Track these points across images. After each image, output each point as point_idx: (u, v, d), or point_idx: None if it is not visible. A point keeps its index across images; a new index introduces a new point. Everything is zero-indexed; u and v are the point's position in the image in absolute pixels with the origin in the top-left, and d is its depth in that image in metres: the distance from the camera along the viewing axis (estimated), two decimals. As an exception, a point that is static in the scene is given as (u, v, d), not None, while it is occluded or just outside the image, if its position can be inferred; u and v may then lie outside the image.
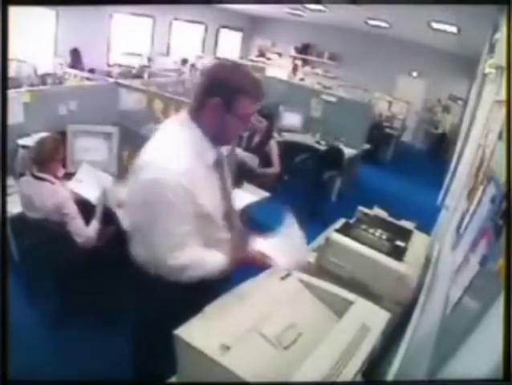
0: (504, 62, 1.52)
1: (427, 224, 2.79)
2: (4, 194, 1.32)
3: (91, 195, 2.37)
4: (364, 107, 5.42)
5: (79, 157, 2.81)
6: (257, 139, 3.70)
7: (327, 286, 1.41)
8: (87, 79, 4.12)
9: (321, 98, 5.22)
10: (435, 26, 6.06)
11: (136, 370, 1.73)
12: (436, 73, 8.49)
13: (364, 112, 5.07)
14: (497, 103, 2.23)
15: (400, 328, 1.53)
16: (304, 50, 10.36)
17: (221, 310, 1.19)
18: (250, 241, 1.41)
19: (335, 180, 4.69)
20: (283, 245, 1.42)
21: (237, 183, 3.07)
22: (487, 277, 0.97)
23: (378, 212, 2.40)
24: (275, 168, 3.52)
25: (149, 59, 7.90)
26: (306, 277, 1.45)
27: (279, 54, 10.63)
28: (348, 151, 4.73)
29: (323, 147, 4.77)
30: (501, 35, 3.20)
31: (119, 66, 7.05)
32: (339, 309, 1.31)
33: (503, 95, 1.79)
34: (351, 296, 1.35)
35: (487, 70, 4.10)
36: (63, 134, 2.76)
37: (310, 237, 2.37)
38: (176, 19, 9.04)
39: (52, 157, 2.19)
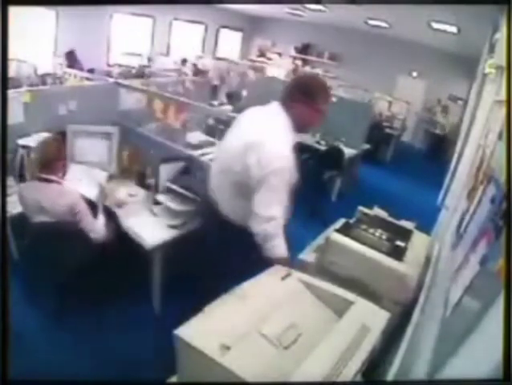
0: (504, 62, 1.52)
1: (427, 224, 2.79)
2: (4, 194, 1.32)
3: (90, 193, 2.38)
4: (364, 107, 5.42)
5: (79, 157, 2.81)
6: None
7: (327, 286, 1.41)
8: (87, 79, 4.12)
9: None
10: (435, 26, 6.06)
11: None
12: (436, 73, 8.49)
13: (364, 112, 5.07)
14: (497, 103, 2.23)
15: (400, 328, 1.53)
16: (304, 50, 10.36)
17: (221, 310, 1.19)
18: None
19: (335, 180, 4.68)
20: None
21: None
22: (487, 277, 0.97)
23: (378, 212, 2.40)
24: None
25: (149, 59, 7.90)
26: (306, 278, 1.45)
27: (279, 54, 10.64)
28: (348, 151, 4.73)
29: (323, 148, 4.77)
30: (501, 35, 3.20)
31: (119, 66, 7.05)
32: (339, 309, 1.31)
33: (503, 95, 1.79)
34: (351, 296, 1.36)
35: (487, 70, 4.10)
36: (63, 134, 2.76)
37: (310, 237, 2.38)
38: (176, 19, 9.04)
39: (56, 158, 2.19)
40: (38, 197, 2.14)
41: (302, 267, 1.80)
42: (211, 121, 4.64)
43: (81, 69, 5.17)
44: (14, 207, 2.24)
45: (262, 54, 10.93)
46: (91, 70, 5.81)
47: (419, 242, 2.11)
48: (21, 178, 2.58)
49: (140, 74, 6.29)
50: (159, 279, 2.46)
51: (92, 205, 2.31)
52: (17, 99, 2.69)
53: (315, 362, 1.03)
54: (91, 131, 2.88)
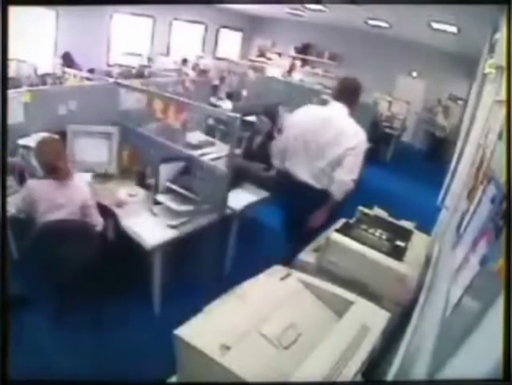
0: (504, 62, 1.52)
1: (427, 224, 2.80)
2: (4, 194, 1.32)
3: None
4: (364, 107, 5.41)
5: (79, 157, 2.81)
6: (258, 140, 3.69)
7: (327, 286, 1.41)
8: (87, 79, 4.12)
9: (321, 98, 5.22)
10: (435, 26, 6.05)
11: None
12: (436, 73, 8.49)
13: (364, 112, 5.06)
14: (497, 103, 2.23)
15: (400, 328, 1.53)
16: (304, 50, 10.35)
17: (221, 310, 1.19)
18: None
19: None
20: None
21: (237, 183, 3.07)
22: (487, 277, 0.97)
23: (378, 212, 2.41)
24: (272, 170, 3.51)
25: (149, 59, 7.90)
26: (306, 277, 1.45)
27: (279, 54, 10.63)
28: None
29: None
30: (501, 35, 3.20)
31: (119, 66, 7.04)
32: (339, 309, 1.31)
33: (503, 95, 1.79)
34: (351, 296, 1.36)
35: (487, 70, 4.10)
36: (63, 134, 2.76)
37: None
38: (176, 19, 9.03)
39: (66, 156, 2.25)
40: (54, 195, 2.17)
41: (302, 267, 1.81)
42: (211, 121, 4.64)
43: (78, 70, 5.16)
44: (14, 207, 2.24)
45: (261, 54, 10.92)
46: (91, 70, 5.80)
47: (419, 242, 2.11)
48: (21, 178, 2.58)
49: (140, 74, 6.28)
50: (159, 279, 2.46)
51: None
52: (17, 99, 2.68)
53: (315, 362, 1.03)
54: (91, 131, 2.88)
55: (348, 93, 2.39)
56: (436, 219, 3.79)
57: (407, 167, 7.09)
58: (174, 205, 2.51)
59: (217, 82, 6.08)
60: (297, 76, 9.06)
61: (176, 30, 9.16)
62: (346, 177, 2.26)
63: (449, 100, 8.59)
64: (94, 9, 7.05)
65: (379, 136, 6.79)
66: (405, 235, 2.10)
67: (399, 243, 1.97)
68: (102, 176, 2.91)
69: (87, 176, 2.77)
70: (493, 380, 0.74)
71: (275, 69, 8.80)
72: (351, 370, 1.03)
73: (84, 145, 2.84)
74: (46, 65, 5.42)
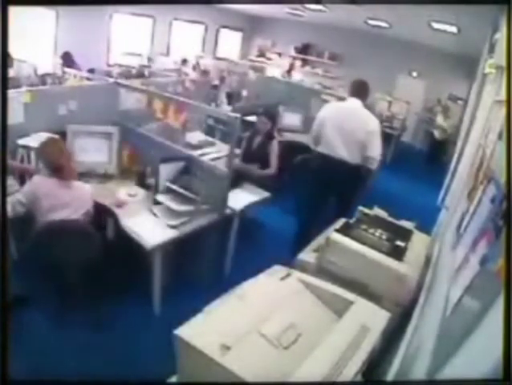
0: (504, 62, 1.52)
1: (427, 224, 2.80)
2: (4, 194, 1.32)
3: None
4: (365, 106, 5.41)
5: (79, 157, 2.81)
6: (258, 139, 3.69)
7: (327, 286, 1.41)
8: (87, 79, 4.11)
9: (321, 98, 5.22)
10: (435, 26, 6.05)
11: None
12: (436, 73, 8.49)
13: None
14: (497, 103, 2.23)
15: (400, 328, 1.53)
16: (304, 50, 10.35)
17: (221, 310, 1.19)
18: None
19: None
20: None
21: (237, 183, 3.08)
22: (487, 277, 0.97)
23: (378, 212, 2.41)
24: (270, 170, 3.51)
25: (149, 59, 7.89)
26: (306, 277, 1.45)
27: (279, 54, 10.62)
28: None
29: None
30: (501, 35, 3.20)
31: (120, 66, 7.03)
32: (339, 309, 1.31)
33: (503, 95, 1.79)
34: (351, 296, 1.36)
35: (487, 70, 4.09)
36: (63, 134, 2.76)
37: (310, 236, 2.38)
38: (176, 19, 9.03)
39: (69, 156, 2.29)
40: (58, 193, 2.18)
41: (302, 267, 1.81)
42: (211, 121, 4.64)
43: (78, 69, 5.15)
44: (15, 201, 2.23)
45: (261, 54, 10.92)
46: (91, 70, 5.80)
47: (419, 242, 2.11)
48: (21, 178, 2.58)
49: (140, 74, 6.28)
50: (159, 279, 2.46)
51: None
52: (17, 99, 2.68)
53: (315, 362, 1.03)
54: (91, 131, 2.88)
55: (360, 90, 3.08)
56: (436, 219, 3.79)
57: (407, 167, 7.09)
58: (174, 205, 2.51)
59: (217, 82, 6.07)
60: (297, 76, 9.05)
61: (176, 30, 9.16)
62: (375, 153, 3.00)
63: (448, 100, 8.58)
64: (94, 9, 7.04)
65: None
66: (405, 235, 2.10)
67: (399, 243, 1.97)
68: (102, 176, 2.91)
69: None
70: (493, 380, 0.74)
71: (275, 69, 8.79)
72: (351, 370, 1.03)
73: (84, 145, 2.84)
74: (46, 65, 5.41)
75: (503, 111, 1.59)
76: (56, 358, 2.12)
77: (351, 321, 1.22)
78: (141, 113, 3.14)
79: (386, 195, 4.45)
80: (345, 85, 8.25)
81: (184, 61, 7.51)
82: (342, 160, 2.99)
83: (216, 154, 3.41)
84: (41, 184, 2.21)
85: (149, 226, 2.42)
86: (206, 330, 1.10)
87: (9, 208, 2.12)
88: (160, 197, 2.59)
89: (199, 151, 3.31)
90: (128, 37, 8.16)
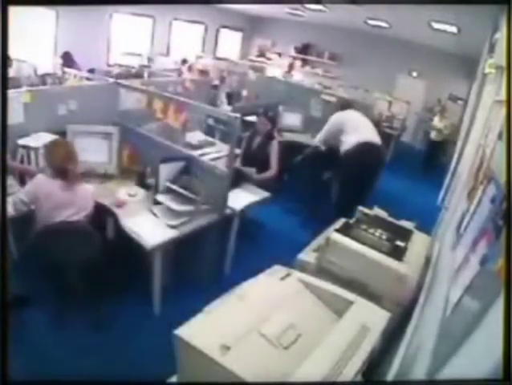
0: (504, 62, 1.52)
1: (427, 224, 2.80)
2: (4, 194, 1.32)
3: None
4: (364, 107, 5.41)
5: (79, 157, 2.81)
6: (258, 140, 3.69)
7: (327, 286, 1.41)
8: (87, 79, 4.11)
9: (321, 98, 5.22)
10: (435, 26, 6.05)
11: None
12: (436, 73, 8.48)
13: (364, 112, 5.06)
14: (497, 103, 2.23)
15: (400, 328, 1.53)
16: (304, 50, 10.34)
17: (221, 310, 1.19)
18: None
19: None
20: None
21: (237, 183, 3.08)
22: (487, 277, 0.97)
23: (378, 212, 2.41)
24: (271, 172, 3.51)
25: (149, 59, 7.89)
26: (306, 277, 1.45)
27: (279, 54, 10.62)
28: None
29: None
30: (501, 35, 3.20)
31: (120, 66, 7.03)
32: (339, 309, 1.31)
33: (503, 95, 1.79)
34: (351, 296, 1.36)
35: (487, 70, 4.09)
36: (63, 134, 2.76)
37: (310, 237, 2.38)
38: (176, 19, 9.03)
39: (76, 159, 2.28)
40: (60, 195, 2.17)
41: (302, 267, 1.81)
42: (211, 121, 4.64)
43: (78, 69, 5.15)
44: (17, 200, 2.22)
45: (261, 54, 10.91)
46: (91, 71, 5.80)
47: (419, 242, 2.11)
48: (21, 178, 2.58)
49: (140, 74, 6.27)
50: (159, 279, 2.46)
51: None
52: (17, 99, 2.68)
53: (315, 362, 1.03)
54: (91, 131, 2.88)
55: (346, 104, 4.19)
56: (436, 219, 3.79)
57: (407, 167, 7.08)
58: (174, 205, 2.51)
59: (217, 82, 6.06)
60: (297, 76, 9.05)
61: (176, 30, 9.16)
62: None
63: (449, 100, 8.57)
64: (94, 9, 7.04)
65: (380, 136, 6.77)
66: (405, 235, 2.10)
67: (399, 243, 1.97)
68: (102, 176, 2.91)
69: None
70: (493, 380, 0.74)
71: (275, 69, 8.79)
72: (351, 370, 1.03)
73: (84, 145, 2.84)
74: (46, 65, 5.41)
75: (503, 111, 1.60)
76: (56, 358, 2.12)
77: (351, 321, 1.22)
78: (141, 113, 3.14)
79: (386, 195, 4.45)
80: (345, 85, 8.28)
81: (185, 61, 7.50)
82: (376, 144, 3.70)
83: (216, 154, 3.41)
84: (44, 184, 2.19)
85: (149, 226, 2.42)
86: (206, 330, 1.10)
87: (10, 207, 2.11)
88: (160, 197, 2.59)
89: (199, 151, 3.31)
90: (127, 37, 8.16)
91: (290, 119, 5.20)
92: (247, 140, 3.74)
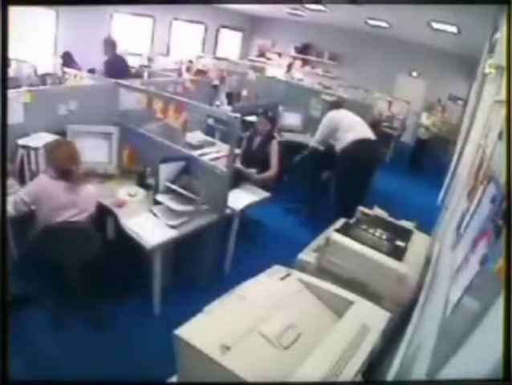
0: (504, 62, 1.52)
1: (427, 224, 2.80)
2: (4, 194, 1.32)
3: None
4: (364, 107, 5.42)
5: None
6: (258, 140, 3.69)
7: (327, 286, 1.41)
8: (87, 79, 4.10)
9: (321, 98, 5.22)
10: (435, 26, 6.05)
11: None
12: (436, 73, 8.48)
13: (364, 112, 5.06)
14: (497, 103, 2.23)
15: (400, 328, 1.53)
16: (304, 50, 10.34)
17: (221, 310, 1.19)
18: None
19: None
20: None
21: (237, 183, 3.08)
22: (487, 277, 0.97)
23: (378, 212, 2.41)
24: (271, 172, 3.50)
25: (149, 59, 7.89)
26: (306, 277, 1.45)
27: (279, 54, 10.62)
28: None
29: (321, 147, 4.76)
30: (501, 35, 3.20)
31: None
32: (339, 309, 1.31)
33: (503, 95, 1.79)
34: (351, 296, 1.36)
35: (487, 70, 4.09)
36: (63, 134, 2.76)
37: (311, 237, 2.38)
38: (176, 19, 9.02)
39: (79, 160, 2.27)
40: (61, 196, 2.16)
41: (302, 267, 1.81)
42: (211, 121, 4.64)
43: (78, 69, 5.14)
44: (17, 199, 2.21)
45: (261, 54, 10.91)
46: (91, 71, 5.80)
47: (419, 242, 2.11)
48: (21, 178, 2.58)
49: (140, 74, 6.27)
50: (159, 279, 2.46)
51: None
52: (17, 99, 2.68)
53: (315, 362, 1.03)
54: (91, 131, 2.88)
55: (336, 104, 4.25)
56: (436, 219, 3.79)
57: (407, 167, 7.09)
58: (174, 205, 2.51)
59: (217, 82, 6.06)
60: (297, 76, 9.05)
61: (176, 30, 9.16)
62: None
63: (448, 100, 8.58)
64: (94, 9, 7.04)
65: (379, 136, 6.75)
66: (405, 235, 2.10)
67: (399, 243, 1.97)
68: (102, 176, 2.91)
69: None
70: (493, 380, 0.74)
71: (276, 69, 8.79)
72: (351, 370, 1.03)
73: (84, 145, 2.84)
74: (46, 65, 5.41)
75: (503, 111, 1.60)
76: (56, 358, 2.12)
77: (351, 321, 1.22)
78: (141, 113, 3.14)
79: (386, 195, 4.45)
80: (345, 85, 8.28)
81: (190, 62, 7.49)
82: (373, 140, 3.80)
83: (216, 154, 3.41)
84: (46, 185, 2.18)
85: (149, 226, 2.42)
86: (206, 330, 1.10)
87: (10, 207, 2.11)
88: (160, 197, 2.59)
89: (199, 151, 3.31)
90: (127, 37, 8.15)
91: (290, 119, 5.20)
92: (247, 140, 3.74)
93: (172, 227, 2.43)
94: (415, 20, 6.06)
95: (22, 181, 2.56)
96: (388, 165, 7.07)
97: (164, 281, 2.53)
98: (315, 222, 3.63)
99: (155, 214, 2.54)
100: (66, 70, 4.19)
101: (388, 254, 1.82)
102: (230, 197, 2.72)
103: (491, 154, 1.66)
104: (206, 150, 3.60)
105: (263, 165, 3.48)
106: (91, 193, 2.32)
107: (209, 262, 2.82)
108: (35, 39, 6.53)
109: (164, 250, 2.41)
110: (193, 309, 1.20)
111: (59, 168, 2.19)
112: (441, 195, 5.25)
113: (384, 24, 7.34)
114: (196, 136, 3.92)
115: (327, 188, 4.25)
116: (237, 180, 3.07)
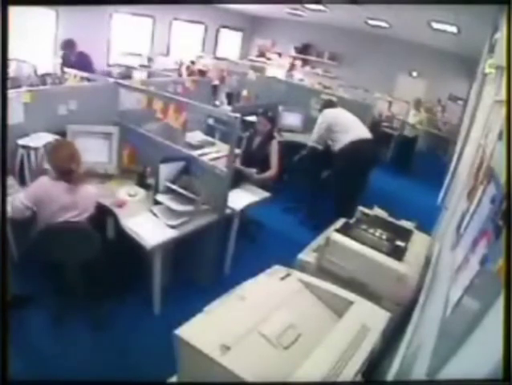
0: (504, 62, 1.52)
1: (427, 224, 2.80)
2: (4, 194, 1.32)
3: None
4: (364, 107, 5.41)
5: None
6: (258, 140, 3.69)
7: (327, 286, 1.41)
8: (87, 79, 4.11)
9: (321, 98, 5.21)
10: (435, 26, 6.05)
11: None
12: (436, 73, 8.48)
13: (364, 112, 5.06)
14: (497, 103, 2.23)
15: (400, 328, 1.53)
16: (304, 50, 10.34)
17: (221, 310, 1.19)
18: None
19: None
20: None
21: (237, 183, 3.08)
22: (487, 277, 0.97)
23: (378, 212, 2.41)
24: (271, 171, 3.50)
25: (149, 59, 7.89)
26: (306, 277, 1.45)
27: (279, 54, 10.62)
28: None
29: (320, 147, 4.76)
30: (501, 35, 3.20)
31: (119, 66, 7.03)
32: (339, 309, 1.31)
33: (503, 95, 1.79)
34: (351, 296, 1.36)
35: (487, 70, 4.09)
36: (63, 134, 2.76)
37: (310, 237, 2.38)
38: (176, 19, 9.02)
39: (80, 160, 2.26)
40: (62, 197, 2.16)
41: (302, 267, 1.81)
42: (211, 121, 4.64)
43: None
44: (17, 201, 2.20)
45: (261, 54, 10.91)
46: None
47: (419, 242, 2.11)
48: (21, 178, 2.58)
49: (129, 75, 6.25)
50: (159, 279, 2.46)
51: None
52: (17, 99, 2.68)
53: (315, 362, 1.03)
54: (91, 131, 2.88)
55: (329, 104, 4.30)
56: (436, 219, 3.79)
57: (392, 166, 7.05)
58: (174, 205, 2.51)
59: (217, 82, 6.06)
60: (297, 76, 9.05)
61: (176, 30, 9.16)
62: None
63: (448, 100, 8.58)
64: (94, 9, 7.04)
65: (379, 136, 6.74)
66: (405, 235, 2.10)
67: (399, 243, 1.97)
68: (102, 176, 2.91)
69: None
70: (493, 380, 0.74)
71: (276, 69, 8.79)
72: (351, 370, 1.03)
73: (84, 145, 2.84)
74: (46, 65, 5.41)
75: (503, 111, 1.59)
76: (56, 358, 2.12)
77: (351, 321, 1.22)
78: (141, 113, 3.14)
79: (386, 195, 4.45)
80: (345, 85, 8.28)
81: (193, 63, 7.49)
82: (369, 139, 3.82)
83: (216, 154, 3.41)
84: (47, 187, 2.17)
85: (149, 226, 2.42)
86: (206, 330, 1.10)
87: (9, 208, 2.10)
88: (160, 197, 2.59)
89: (199, 151, 3.31)
90: (128, 37, 8.16)
91: (290, 119, 5.20)
92: (247, 140, 3.74)
93: (172, 227, 2.43)
94: (415, 20, 6.06)
95: (22, 181, 2.56)
96: (388, 165, 7.07)
97: (164, 281, 2.53)
98: (315, 222, 3.63)
99: (155, 214, 2.54)
100: (66, 70, 4.19)
101: (388, 254, 1.82)
102: (230, 197, 2.72)
103: (491, 154, 1.66)
104: (206, 150, 3.60)
105: (263, 165, 3.48)
106: (91, 194, 2.32)
107: (209, 262, 2.82)
108: (35, 39, 6.53)
109: (164, 250, 2.41)
110: (192, 309, 1.20)
111: (60, 168, 2.19)
112: (441, 195, 5.25)
113: (384, 24, 7.34)
114: (196, 136, 3.92)
115: (326, 188, 4.25)
116: (237, 180, 3.07)
